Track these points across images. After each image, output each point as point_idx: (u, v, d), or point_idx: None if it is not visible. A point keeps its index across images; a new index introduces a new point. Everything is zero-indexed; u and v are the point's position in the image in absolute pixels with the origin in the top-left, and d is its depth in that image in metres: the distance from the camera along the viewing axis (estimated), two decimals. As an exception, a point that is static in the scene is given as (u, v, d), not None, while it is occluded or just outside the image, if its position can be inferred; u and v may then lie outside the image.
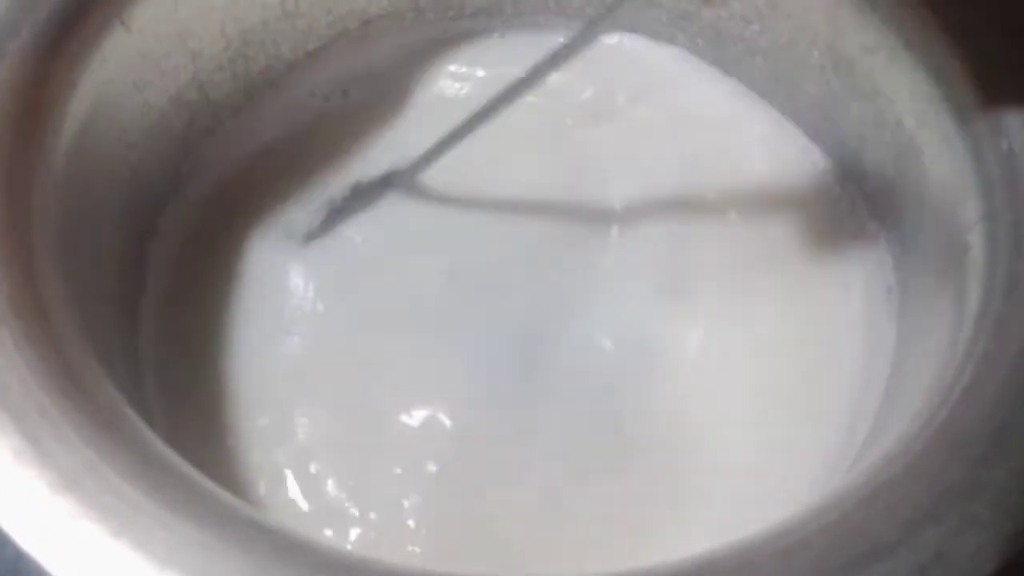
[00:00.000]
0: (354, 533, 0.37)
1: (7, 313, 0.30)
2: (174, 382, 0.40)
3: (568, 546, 0.37)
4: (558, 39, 0.46)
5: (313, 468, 0.38)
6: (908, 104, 0.39)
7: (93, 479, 0.28)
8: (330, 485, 0.38)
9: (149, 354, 0.41)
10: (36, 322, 0.31)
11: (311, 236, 0.43)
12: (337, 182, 0.45)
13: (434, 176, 0.43)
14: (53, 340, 0.31)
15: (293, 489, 0.38)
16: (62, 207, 0.35)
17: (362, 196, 0.44)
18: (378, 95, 0.47)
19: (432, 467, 0.38)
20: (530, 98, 0.42)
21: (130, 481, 0.28)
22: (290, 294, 0.42)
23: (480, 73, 0.47)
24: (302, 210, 0.44)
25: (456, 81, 0.47)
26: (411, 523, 0.37)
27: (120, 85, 0.39)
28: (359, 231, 0.44)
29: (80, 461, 0.28)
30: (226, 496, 0.30)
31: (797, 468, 0.37)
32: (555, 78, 0.46)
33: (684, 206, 0.44)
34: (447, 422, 0.39)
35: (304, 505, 0.38)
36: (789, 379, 0.39)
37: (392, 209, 0.44)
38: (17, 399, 0.29)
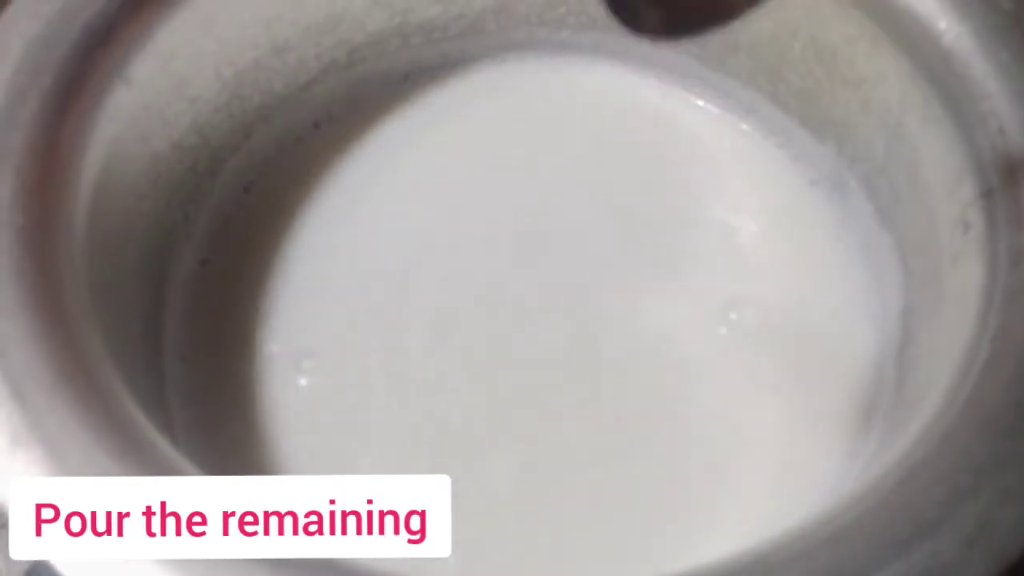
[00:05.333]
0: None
1: (58, 381, 0.31)
2: (199, 422, 0.41)
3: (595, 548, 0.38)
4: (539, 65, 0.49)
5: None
6: (894, 89, 0.40)
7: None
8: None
9: (173, 396, 0.42)
10: (85, 385, 0.31)
11: None
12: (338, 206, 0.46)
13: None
14: (102, 402, 0.31)
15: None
16: (88, 268, 0.36)
17: None
18: (369, 122, 0.48)
19: (461, 477, 0.39)
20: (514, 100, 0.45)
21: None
22: (306, 324, 0.43)
23: (470, 98, 0.48)
24: None
25: (443, 106, 0.48)
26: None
27: (127, 140, 0.39)
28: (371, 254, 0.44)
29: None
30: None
31: (818, 457, 0.39)
32: (533, 84, 0.48)
33: (677, 200, 0.45)
34: (480, 432, 0.40)
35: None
36: (799, 365, 0.41)
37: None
38: (79, 463, 0.30)
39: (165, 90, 0.41)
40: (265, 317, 0.43)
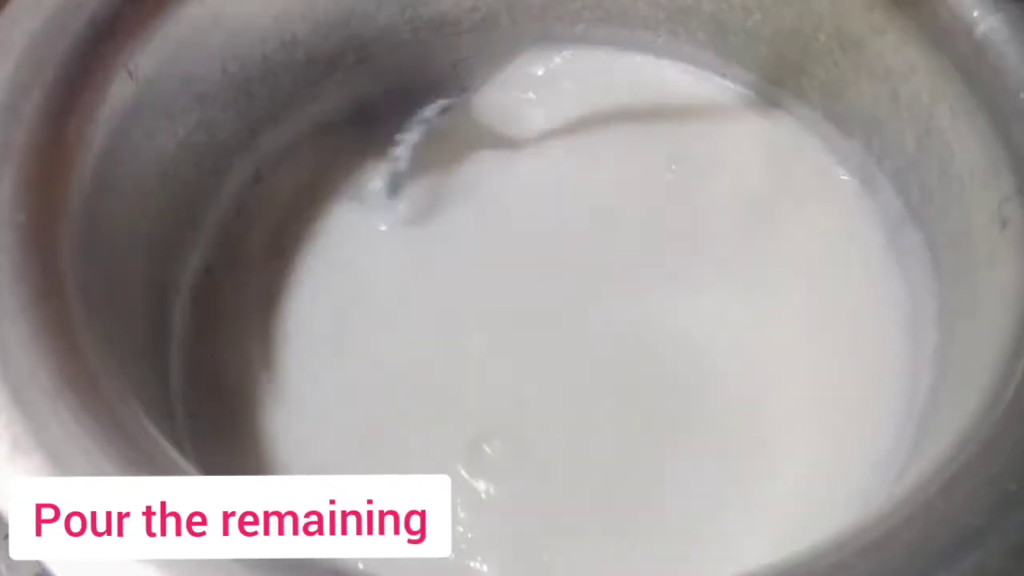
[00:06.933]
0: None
1: (61, 386, 0.30)
2: (207, 432, 0.40)
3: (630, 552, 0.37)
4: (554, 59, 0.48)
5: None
6: (924, 81, 0.39)
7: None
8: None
9: (179, 403, 0.40)
10: (90, 392, 0.30)
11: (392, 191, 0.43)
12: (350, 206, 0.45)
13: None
14: (107, 409, 0.30)
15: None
16: (91, 269, 0.35)
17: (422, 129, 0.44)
18: (380, 121, 0.47)
19: (481, 492, 0.38)
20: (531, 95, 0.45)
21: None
22: (316, 326, 0.42)
23: (484, 93, 0.47)
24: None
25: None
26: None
27: (132, 136, 0.38)
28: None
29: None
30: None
31: (855, 455, 0.37)
32: (554, 75, 0.47)
33: (692, 194, 0.44)
34: (499, 445, 0.39)
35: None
36: (837, 368, 0.39)
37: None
38: (83, 471, 0.28)
39: (171, 85, 0.40)
40: (274, 320, 0.42)
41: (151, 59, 0.38)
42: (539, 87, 0.47)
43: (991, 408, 0.30)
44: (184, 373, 0.41)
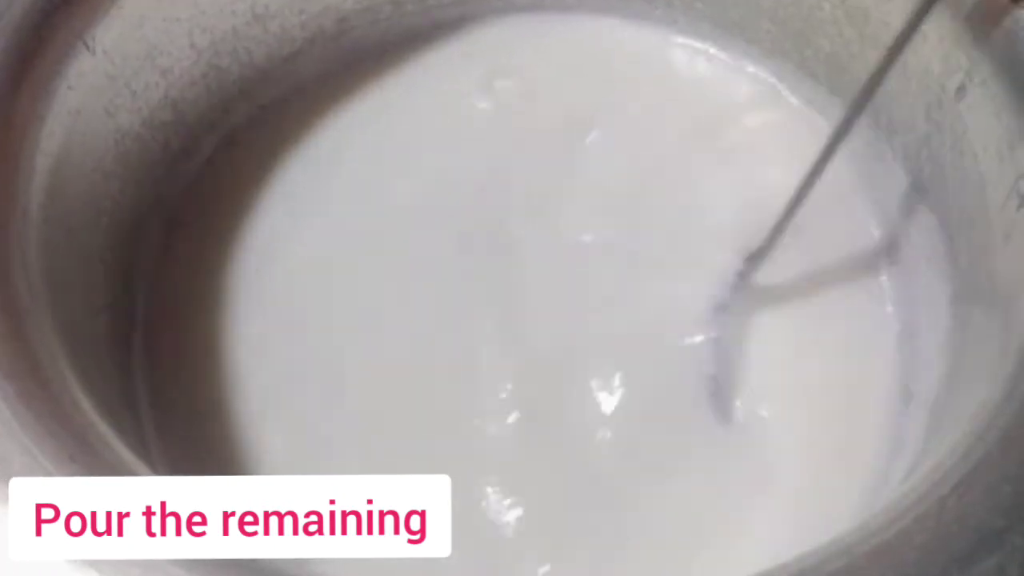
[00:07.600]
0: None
1: (3, 383, 0.28)
2: (172, 422, 0.38)
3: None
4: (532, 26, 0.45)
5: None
6: (935, 50, 0.36)
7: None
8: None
9: (144, 396, 0.39)
10: (31, 381, 0.28)
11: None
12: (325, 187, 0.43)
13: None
14: (50, 400, 0.29)
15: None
16: (43, 253, 0.33)
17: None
18: (358, 95, 0.45)
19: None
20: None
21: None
22: (280, 312, 0.40)
23: (465, 67, 0.45)
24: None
25: (442, 77, 0.45)
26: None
27: (90, 113, 0.36)
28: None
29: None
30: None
31: (858, 454, 0.36)
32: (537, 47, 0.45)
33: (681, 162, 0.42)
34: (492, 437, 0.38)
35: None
36: (836, 353, 0.38)
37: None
38: (20, 467, 0.27)
39: (133, 59, 0.38)
40: (242, 304, 0.40)
41: (110, 30, 0.36)
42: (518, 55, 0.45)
43: (1008, 398, 0.28)
44: (148, 363, 0.39)
